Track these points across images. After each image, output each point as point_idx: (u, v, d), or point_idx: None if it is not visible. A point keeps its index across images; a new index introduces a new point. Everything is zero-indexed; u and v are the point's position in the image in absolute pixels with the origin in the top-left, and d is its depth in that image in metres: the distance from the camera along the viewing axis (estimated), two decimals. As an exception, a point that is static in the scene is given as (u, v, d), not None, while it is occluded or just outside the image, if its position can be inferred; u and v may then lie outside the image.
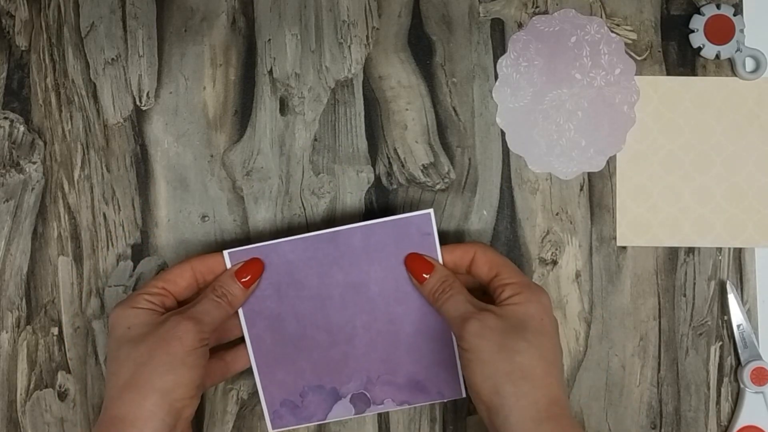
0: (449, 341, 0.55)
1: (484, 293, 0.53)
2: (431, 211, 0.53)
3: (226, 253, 0.53)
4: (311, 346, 0.55)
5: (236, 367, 0.55)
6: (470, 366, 0.48)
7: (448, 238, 0.58)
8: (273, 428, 0.56)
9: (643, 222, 0.59)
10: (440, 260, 0.53)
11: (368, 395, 0.55)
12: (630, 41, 0.59)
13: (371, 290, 0.54)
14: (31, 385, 0.58)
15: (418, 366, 0.55)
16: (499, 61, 0.58)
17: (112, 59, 0.59)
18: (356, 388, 0.55)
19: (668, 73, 0.59)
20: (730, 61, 0.59)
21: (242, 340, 0.55)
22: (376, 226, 0.53)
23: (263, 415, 0.56)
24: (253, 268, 0.53)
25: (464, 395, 0.55)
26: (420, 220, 0.53)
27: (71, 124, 0.59)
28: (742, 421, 0.57)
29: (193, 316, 0.49)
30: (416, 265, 0.53)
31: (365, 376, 0.55)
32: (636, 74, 0.59)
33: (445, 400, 0.57)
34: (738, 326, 0.58)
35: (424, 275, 0.53)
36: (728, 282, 0.58)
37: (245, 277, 0.52)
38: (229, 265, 0.53)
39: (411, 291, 0.54)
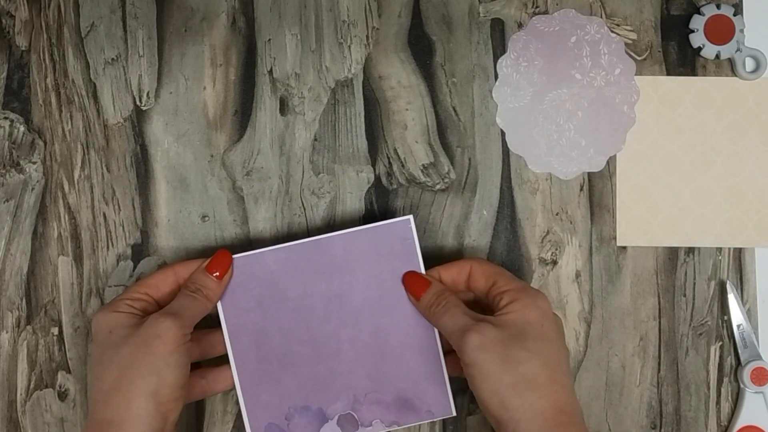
0: (436, 354, 0.54)
1: (482, 310, 0.52)
2: (410, 217, 0.53)
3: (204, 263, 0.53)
4: (296, 363, 0.54)
5: (217, 387, 0.54)
6: (475, 381, 0.48)
7: (448, 238, 0.58)
8: None
9: (643, 222, 0.59)
10: (422, 269, 0.53)
11: (356, 416, 0.54)
12: (630, 41, 0.59)
13: (354, 301, 0.54)
14: (31, 385, 0.58)
15: (406, 382, 0.54)
16: (499, 61, 0.58)
17: (112, 59, 0.59)
18: (343, 408, 0.54)
19: (668, 73, 0.59)
20: (730, 61, 0.59)
21: (226, 360, 0.54)
22: (357, 234, 0.53)
23: None
24: (223, 261, 0.53)
25: (454, 413, 0.54)
26: (400, 226, 0.53)
27: (71, 124, 0.59)
28: (742, 421, 0.57)
29: (170, 312, 0.49)
30: (412, 282, 0.53)
31: (352, 395, 0.54)
32: (636, 74, 0.59)
33: (436, 419, 0.56)
34: (738, 326, 0.58)
35: (421, 292, 0.52)
36: (728, 282, 0.58)
37: (216, 272, 0.52)
38: None
39: (394, 301, 0.54)
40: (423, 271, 0.53)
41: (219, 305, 0.53)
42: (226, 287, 0.53)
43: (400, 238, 0.53)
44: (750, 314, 0.58)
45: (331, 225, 0.59)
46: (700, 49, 0.58)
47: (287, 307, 0.54)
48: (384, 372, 0.54)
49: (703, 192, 0.59)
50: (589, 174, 0.59)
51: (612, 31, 0.59)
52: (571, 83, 0.58)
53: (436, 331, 0.54)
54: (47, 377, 0.58)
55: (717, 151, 0.59)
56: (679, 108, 0.59)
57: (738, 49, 0.58)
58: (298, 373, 0.54)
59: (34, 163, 0.59)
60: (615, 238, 0.59)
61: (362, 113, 0.59)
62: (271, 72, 0.59)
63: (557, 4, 0.59)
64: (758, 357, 0.57)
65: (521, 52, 0.57)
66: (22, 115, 0.59)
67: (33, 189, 0.59)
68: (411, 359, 0.54)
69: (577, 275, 0.59)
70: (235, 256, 0.53)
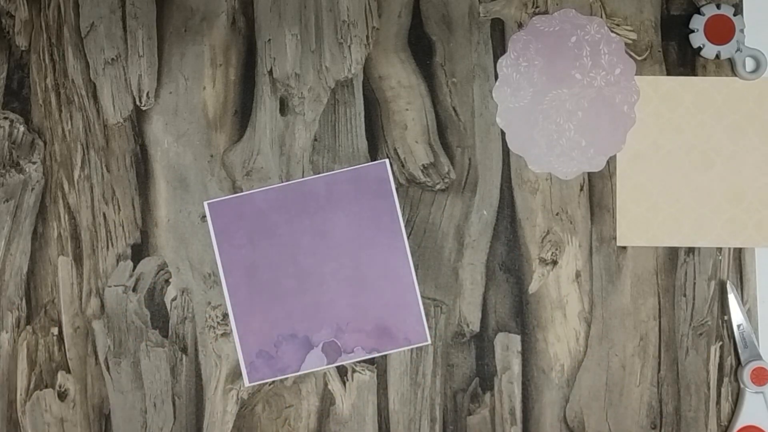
0: (411, 286, 0.58)
1: None
2: (386, 160, 0.57)
3: (206, 204, 0.57)
4: (284, 294, 0.57)
5: None
6: None
7: (448, 238, 0.58)
8: (249, 381, 0.58)
9: (643, 222, 0.59)
10: (398, 208, 0.57)
11: (338, 343, 0.58)
12: (630, 41, 0.59)
13: (336, 236, 0.58)
14: (31, 385, 0.58)
15: (384, 311, 0.58)
16: (500, 61, 0.58)
17: (112, 59, 0.59)
18: (327, 336, 0.58)
19: (668, 73, 0.59)
20: (730, 61, 0.59)
21: None
22: (338, 175, 0.57)
23: (242, 373, 0.58)
24: None
25: (429, 341, 0.57)
26: (377, 169, 0.57)
27: (71, 124, 0.59)
28: (742, 421, 0.57)
29: None
30: None
31: (335, 324, 0.58)
32: (636, 74, 0.59)
33: (413, 347, 0.58)
34: (738, 326, 0.58)
35: None
36: (728, 282, 0.58)
37: None
38: (209, 216, 0.57)
39: (373, 236, 0.58)
40: (398, 209, 0.57)
41: (214, 243, 0.57)
42: None
43: (377, 180, 0.57)
44: (750, 314, 0.58)
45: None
46: (700, 49, 0.58)
47: (276, 243, 0.58)
48: (364, 302, 0.58)
49: (703, 192, 0.59)
50: (589, 174, 0.59)
51: (612, 31, 0.59)
52: (572, 83, 0.58)
53: (411, 264, 0.58)
54: (47, 377, 0.58)
55: (717, 151, 0.59)
56: (680, 108, 0.59)
57: (738, 49, 0.58)
58: (285, 303, 0.58)
59: (34, 163, 0.59)
60: (615, 238, 0.59)
61: (362, 113, 0.59)
62: (271, 72, 0.59)
63: (557, 4, 0.59)
64: (758, 357, 0.57)
65: (521, 52, 0.57)
66: (22, 115, 0.59)
67: (33, 189, 0.59)
68: (388, 290, 0.58)
69: (578, 275, 0.59)
70: (229, 197, 0.57)
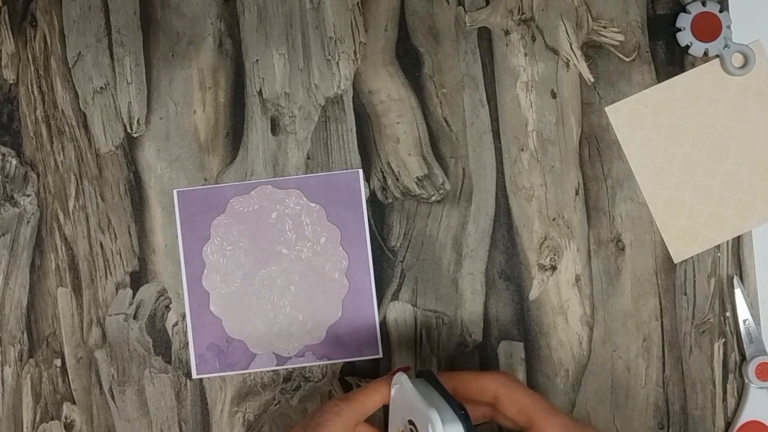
0: (369, 299, 0.58)
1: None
2: (360, 170, 0.58)
3: (175, 192, 0.58)
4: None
5: None
6: None
7: (446, 249, 0.58)
8: (197, 373, 0.58)
9: (689, 231, 0.58)
10: (365, 217, 0.57)
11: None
12: (617, 43, 0.59)
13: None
14: (37, 418, 0.58)
15: (340, 322, 0.58)
16: (204, 248, 0.58)
17: (101, 88, 0.59)
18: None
19: (657, 73, 0.59)
20: (719, 58, 0.59)
21: None
22: (310, 179, 0.57)
23: (191, 363, 0.58)
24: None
25: (381, 355, 0.58)
26: (349, 177, 0.58)
27: (63, 154, 0.59)
28: (746, 416, 0.57)
29: None
30: None
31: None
32: (624, 78, 0.59)
33: (363, 359, 0.58)
34: (744, 321, 0.58)
35: None
36: (735, 277, 0.58)
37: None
38: (177, 207, 0.57)
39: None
40: (366, 221, 0.57)
41: (179, 230, 0.58)
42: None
43: (348, 188, 0.57)
44: (751, 309, 0.58)
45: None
46: (687, 47, 0.58)
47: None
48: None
49: (731, 178, 0.58)
50: (584, 177, 0.59)
51: (599, 34, 0.59)
52: (280, 259, 0.58)
53: (372, 278, 0.58)
54: (52, 409, 0.58)
55: (727, 135, 0.59)
56: (675, 110, 0.59)
57: (726, 46, 0.58)
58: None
59: (28, 195, 0.59)
60: (612, 240, 0.59)
61: (354, 129, 0.59)
62: (260, 92, 0.59)
63: (543, 10, 0.59)
64: (764, 352, 0.57)
65: (224, 236, 0.57)
66: (14, 148, 0.59)
67: (29, 222, 0.58)
68: (347, 302, 0.58)
69: (577, 279, 0.58)
70: (200, 187, 0.58)
